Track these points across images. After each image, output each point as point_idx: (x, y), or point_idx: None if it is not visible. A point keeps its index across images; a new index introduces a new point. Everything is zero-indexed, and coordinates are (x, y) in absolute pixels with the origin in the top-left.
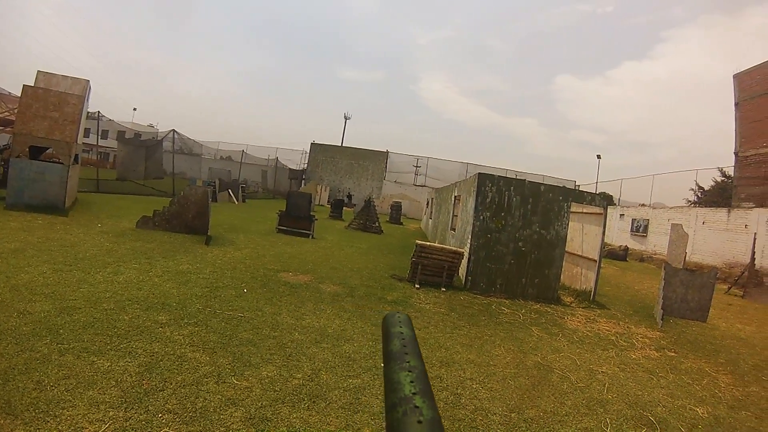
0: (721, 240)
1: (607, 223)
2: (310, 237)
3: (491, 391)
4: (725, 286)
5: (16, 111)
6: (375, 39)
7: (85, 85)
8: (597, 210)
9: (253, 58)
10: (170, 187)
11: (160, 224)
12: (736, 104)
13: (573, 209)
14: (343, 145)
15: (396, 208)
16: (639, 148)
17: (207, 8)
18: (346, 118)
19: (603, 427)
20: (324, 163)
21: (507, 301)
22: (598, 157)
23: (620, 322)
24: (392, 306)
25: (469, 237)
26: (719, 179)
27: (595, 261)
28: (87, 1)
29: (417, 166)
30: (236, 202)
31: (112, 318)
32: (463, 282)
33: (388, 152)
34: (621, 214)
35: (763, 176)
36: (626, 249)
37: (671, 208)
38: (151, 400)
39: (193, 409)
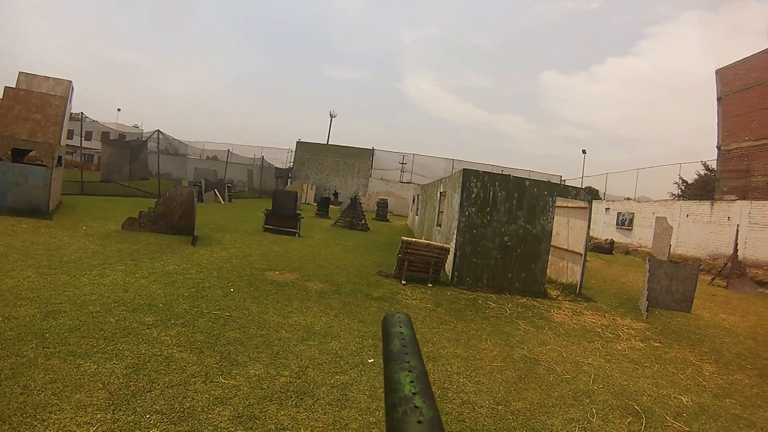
0: (704, 232)
1: (593, 217)
2: (297, 235)
3: (478, 385)
4: (709, 278)
5: None
6: (361, 37)
7: (68, 86)
8: (582, 204)
9: (239, 58)
10: (156, 188)
11: (146, 225)
12: (719, 99)
13: (558, 204)
14: (329, 143)
15: (382, 205)
16: (624, 143)
17: (192, 8)
18: (331, 116)
19: (589, 417)
20: (310, 162)
21: (493, 296)
22: (584, 152)
23: (606, 315)
24: (379, 302)
25: (455, 233)
26: (702, 173)
27: (581, 254)
28: (69, 0)
29: (403, 163)
30: (222, 202)
31: (99, 320)
32: (450, 277)
33: (374, 150)
34: (607, 208)
35: (744, 169)
36: (612, 242)
37: (656, 201)
38: (138, 401)
39: (181, 409)
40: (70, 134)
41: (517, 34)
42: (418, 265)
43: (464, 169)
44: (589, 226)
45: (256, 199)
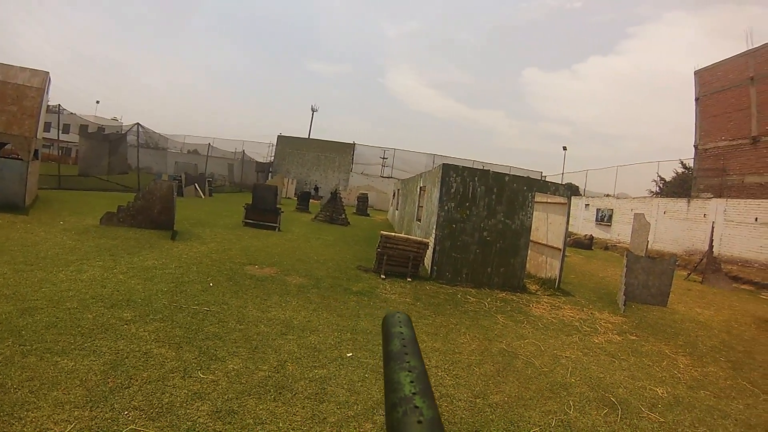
0: (681, 229)
1: (572, 213)
2: (277, 230)
3: (456, 378)
4: (685, 273)
5: None
6: (343, 31)
7: (45, 77)
8: (561, 200)
9: (220, 51)
10: (135, 182)
11: (125, 220)
12: (697, 99)
13: (538, 199)
14: (310, 137)
15: (362, 199)
16: (605, 140)
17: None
18: (313, 111)
19: (566, 409)
20: (291, 156)
21: (473, 290)
22: (564, 148)
23: (584, 309)
24: (358, 297)
25: (434, 227)
26: (680, 171)
27: (560, 249)
28: None
29: (384, 158)
30: (203, 196)
31: (76, 317)
32: (429, 272)
33: (354, 144)
34: (586, 204)
35: (720, 168)
36: (591, 238)
37: (634, 198)
38: (116, 397)
39: (160, 405)
40: (47, 127)
41: (499, 30)
42: (397, 260)
43: (444, 163)
44: (568, 221)
45: (237, 194)
